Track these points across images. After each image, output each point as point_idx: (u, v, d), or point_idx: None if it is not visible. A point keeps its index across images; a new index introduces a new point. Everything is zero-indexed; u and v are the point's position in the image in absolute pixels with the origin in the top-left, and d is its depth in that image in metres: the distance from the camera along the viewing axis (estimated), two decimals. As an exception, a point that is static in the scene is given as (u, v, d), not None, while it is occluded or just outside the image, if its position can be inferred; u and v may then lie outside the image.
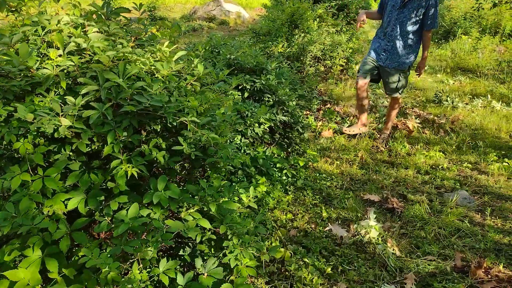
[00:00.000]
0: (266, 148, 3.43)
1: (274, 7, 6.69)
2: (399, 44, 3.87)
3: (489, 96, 5.92)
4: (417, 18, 3.72)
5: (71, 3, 2.07)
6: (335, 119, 4.94)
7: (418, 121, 4.94)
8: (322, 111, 5.18)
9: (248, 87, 3.27)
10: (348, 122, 4.88)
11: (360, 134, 4.51)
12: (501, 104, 5.62)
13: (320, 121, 4.87)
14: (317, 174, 3.53)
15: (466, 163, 3.95)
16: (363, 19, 3.99)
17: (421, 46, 3.94)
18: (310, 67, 6.20)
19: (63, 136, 1.49)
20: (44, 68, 1.57)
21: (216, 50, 3.70)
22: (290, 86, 3.74)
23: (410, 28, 3.78)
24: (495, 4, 7.90)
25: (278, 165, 3.35)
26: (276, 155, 3.49)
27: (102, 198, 1.79)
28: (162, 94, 1.68)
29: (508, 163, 3.82)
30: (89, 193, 1.72)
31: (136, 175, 1.57)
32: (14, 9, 1.87)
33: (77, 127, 1.44)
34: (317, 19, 6.95)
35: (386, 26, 3.93)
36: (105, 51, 1.69)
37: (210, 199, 1.82)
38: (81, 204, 1.68)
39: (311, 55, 6.29)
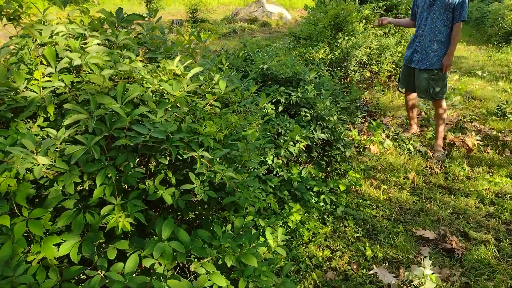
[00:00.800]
0: (302, 168, 3.04)
1: (316, 8, 6.26)
2: (429, 43, 3.78)
3: None
4: (447, 15, 3.66)
5: (79, 9, 1.81)
6: (382, 132, 4.44)
7: (479, 138, 4.33)
8: (367, 123, 4.70)
9: (282, 100, 2.90)
10: (395, 135, 4.37)
11: (411, 152, 4.00)
12: None
13: (364, 134, 4.40)
14: (360, 200, 3.09)
15: (540, 192, 3.34)
16: (382, 22, 4.14)
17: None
18: (355, 73, 5.72)
19: (44, 176, 1.21)
20: (29, 90, 1.30)
21: (250, 58, 3.36)
22: (331, 98, 3.32)
23: (440, 24, 3.71)
24: None
25: (315, 188, 2.96)
26: (313, 177, 3.10)
27: (102, 240, 1.50)
28: (169, 122, 1.35)
29: None
30: (85, 236, 1.43)
31: (129, 227, 1.25)
32: (12, 17, 1.63)
33: (59, 167, 1.14)
34: (363, 21, 6.44)
35: (418, 29, 3.90)
36: (103, 68, 1.39)
37: (226, 249, 1.48)
38: (74, 250, 1.39)
39: (355, 60, 5.80)
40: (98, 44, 1.54)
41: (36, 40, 1.44)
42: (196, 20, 13.54)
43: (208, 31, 12.52)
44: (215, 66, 1.84)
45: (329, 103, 3.17)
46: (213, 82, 1.76)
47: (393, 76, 6.72)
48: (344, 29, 4.86)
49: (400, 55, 6.67)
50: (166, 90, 1.45)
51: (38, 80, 1.28)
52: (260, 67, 2.91)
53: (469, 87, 6.39)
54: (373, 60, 6.30)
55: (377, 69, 6.30)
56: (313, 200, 2.92)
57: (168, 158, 1.50)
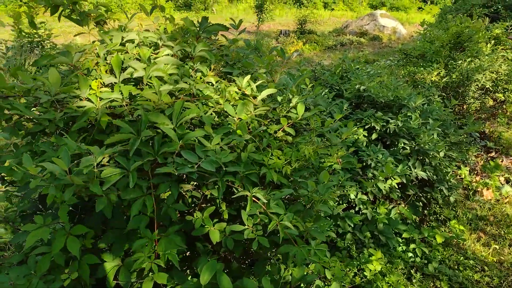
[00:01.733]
0: (392, 207, 2.62)
1: (435, 24, 5.59)
2: None
3: None
4: None
5: (164, 16, 1.74)
6: (501, 175, 3.71)
7: None
8: (482, 162, 3.98)
9: (378, 127, 2.53)
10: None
11: (538, 205, 3.24)
12: None
13: (478, 175, 3.72)
14: (461, 258, 2.55)
15: None
16: None
17: None
18: (474, 101, 4.94)
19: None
20: (87, 99, 1.23)
21: (348, 76, 3.04)
22: (439, 129, 2.82)
23: None
24: None
25: (405, 235, 2.52)
26: (404, 219, 2.66)
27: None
28: (225, 150, 1.16)
29: None
30: (125, 260, 1.32)
31: (156, 269, 1.08)
32: (97, 21, 1.62)
33: (93, 191, 1.02)
34: (492, 41, 5.56)
35: None
36: (166, 82, 1.26)
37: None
38: (111, 273, 1.30)
39: (476, 86, 5.00)
40: (170, 55, 1.42)
41: (107, 46, 1.38)
42: (303, 32, 13.45)
43: (314, 42, 12.30)
44: (297, 86, 1.60)
45: (436, 135, 2.69)
46: (291, 104, 1.53)
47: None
48: (466, 49, 4.20)
49: (535, 83, 5.61)
50: (229, 113, 1.26)
51: (95, 90, 1.20)
52: (357, 87, 2.58)
53: None
54: (499, 87, 5.39)
55: (503, 97, 5.37)
56: (400, 248, 2.49)
57: (219, 192, 1.31)
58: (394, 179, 2.44)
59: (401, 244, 2.52)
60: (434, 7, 28.72)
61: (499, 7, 7.51)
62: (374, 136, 2.57)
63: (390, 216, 2.55)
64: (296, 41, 12.10)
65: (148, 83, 1.27)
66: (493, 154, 4.23)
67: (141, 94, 1.17)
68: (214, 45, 1.76)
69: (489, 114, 5.36)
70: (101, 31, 1.44)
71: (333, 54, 11.83)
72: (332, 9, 30.09)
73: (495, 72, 5.27)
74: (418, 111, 2.72)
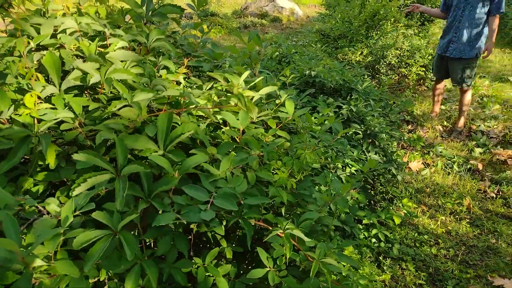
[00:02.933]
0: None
1: (341, 3, 5.76)
2: (466, 33, 3.92)
3: None
4: (483, 7, 3.80)
5: (94, -3, 1.31)
6: (424, 146, 3.95)
7: (532, 155, 3.84)
8: (406, 135, 4.20)
9: (331, 114, 2.40)
10: (436, 152, 3.88)
11: (460, 172, 3.51)
12: None
13: (404, 148, 3.91)
14: (416, 235, 2.61)
15: None
16: (417, 10, 4.31)
17: (486, 34, 3.92)
18: (386, 77, 5.22)
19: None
20: (15, 121, 0.81)
21: (286, 60, 2.86)
22: (380, 110, 2.83)
23: (477, 16, 3.84)
24: None
25: (365, 220, 2.48)
26: (359, 205, 2.62)
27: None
28: (238, 176, 0.87)
29: None
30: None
31: None
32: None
33: (61, 272, 0.65)
34: (392, 19, 5.93)
35: (453, 20, 4.00)
36: (134, 88, 0.90)
37: None
38: None
39: (385, 62, 5.29)
40: (125, 48, 1.04)
41: (30, 40, 0.95)
42: (206, 14, 12.99)
43: (219, 25, 11.96)
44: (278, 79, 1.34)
45: (376, 116, 2.68)
46: (277, 101, 1.27)
47: (422, 80, 6.21)
48: (379, 29, 4.35)
49: (430, 57, 6.17)
50: (229, 123, 0.96)
51: (30, 108, 0.79)
52: (307, 73, 2.40)
53: (504, 95, 5.88)
54: (403, 63, 5.80)
55: (406, 72, 5.79)
56: (362, 235, 2.44)
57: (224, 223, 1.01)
58: (353, 166, 2.35)
59: (362, 231, 2.47)
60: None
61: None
62: (327, 123, 2.44)
63: (348, 203, 2.48)
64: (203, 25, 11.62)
65: (108, 91, 0.89)
66: (410, 126, 4.51)
67: (113, 109, 0.80)
68: (165, 33, 1.40)
69: (395, 88, 5.74)
70: (21, 18, 0.98)
71: (242, 36, 11.65)
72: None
73: (399, 49, 5.65)
74: (361, 94, 2.67)
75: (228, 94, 1.01)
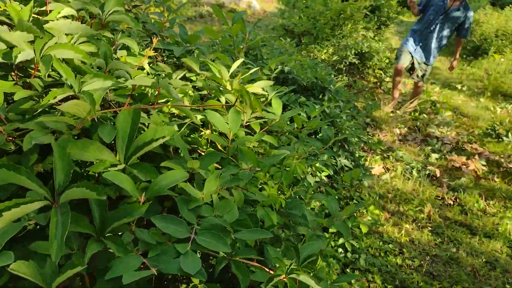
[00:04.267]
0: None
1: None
2: (432, 44, 4.51)
3: (557, 135, 4.97)
4: (453, 27, 4.39)
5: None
6: (383, 150, 3.93)
7: (483, 162, 3.97)
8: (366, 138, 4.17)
9: (302, 114, 2.22)
10: (395, 156, 3.87)
11: (419, 178, 3.52)
12: None
13: (366, 152, 3.86)
14: (381, 243, 2.53)
15: None
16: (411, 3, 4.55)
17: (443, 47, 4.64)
18: (346, 77, 5.18)
19: None
20: None
21: (253, 53, 2.64)
22: (349, 112, 2.71)
23: (445, 33, 4.45)
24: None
25: (331, 229, 2.34)
26: (325, 212, 2.48)
27: None
28: (226, 200, 0.64)
29: None
30: None
31: None
32: None
33: None
34: (352, 20, 5.93)
35: (425, 27, 4.48)
36: (84, 72, 0.64)
37: None
38: None
39: (345, 62, 5.26)
40: (71, 17, 0.77)
41: None
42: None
43: (173, 12, 11.44)
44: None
45: (345, 118, 2.56)
46: (262, 99, 1.05)
47: (379, 83, 6.29)
48: (343, 28, 4.28)
49: (387, 61, 6.26)
50: (214, 126, 0.73)
51: None
52: (279, 68, 2.20)
53: (453, 102, 6.12)
54: (362, 64, 5.82)
55: (365, 74, 5.82)
56: (328, 247, 2.30)
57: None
58: (324, 171, 2.20)
59: (329, 240, 2.33)
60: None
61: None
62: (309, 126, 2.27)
63: (315, 210, 2.33)
64: (153, 9, 11.04)
65: (45, 74, 0.62)
66: (368, 129, 4.50)
67: (45, 101, 0.53)
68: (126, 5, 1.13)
69: (357, 88, 5.75)
70: None
71: (194, 26, 11.24)
72: (183, -22, 29.13)
73: (359, 50, 5.65)
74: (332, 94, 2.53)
75: (221, 88, 0.77)
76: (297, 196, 1.09)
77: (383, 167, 3.64)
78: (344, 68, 5.11)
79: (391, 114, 5.04)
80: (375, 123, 4.66)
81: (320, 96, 2.39)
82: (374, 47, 6.06)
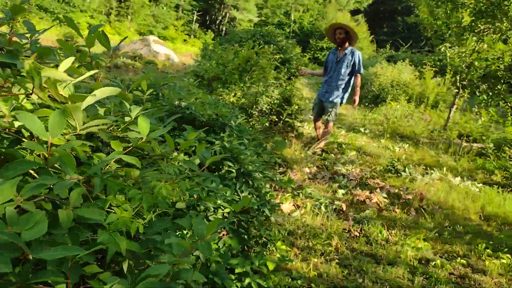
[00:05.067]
0: (218, 240, 2.31)
1: (207, 53, 5.92)
2: (335, 87, 5.66)
3: (444, 169, 5.57)
4: (347, 69, 5.59)
5: None
6: (294, 188, 4.02)
7: (385, 195, 4.25)
8: (278, 176, 4.24)
9: (202, 150, 2.18)
10: (304, 194, 3.98)
11: (327, 213, 3.63)
12: (455, 178, 5.26)
13: (276, 190, 3.90)
14: (290, 280, 2.48)
15: (457, 257, 3.23)
16: (305, 73, 6.53)
17: (350, 87, 5.75)
18: (257, 121, 5.34)
19: None
20: None
21: (154, 92, 2.59)
22: (253, 149, 2.74)
23: (342, 76, 5.62)
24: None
25: (237, 269, 2.25)
26: (232, 252, 2.39)
27: None
28: (30, 214, 0.54)
29: (504, 258, 3.17)
30: None
31: None
32: None
33: None
34: (258, 67, 6.27)
35: (329, 78, 5.77)
36: None
37: None
38: None
39: (258, 109, 5.45)
40: None
41: None
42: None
43: (89, 63, 11.08)
44: (129, 91, 1.07)
45: (252, 155, 2.58)
46: (127, 119, 0.99)
47: (289, 127, 6.58)
48: (252, 75, 4.47)
49: (297, 107, 6.63)
50: (32, 132, 0.63)
51: None
52: (176, 103, 2.17)
53: (357, 143, 6.60)
54: (274, 110, 6.08)
55: (276, 119, 6.07)
56: (235, 286, 2.19)
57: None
58: (225, 208, 2.14)
59: (235, 282, 2.23)
60: (196, 40, 31.58)
61: (262, 42, 8.62)
62: (197, 160, 2.21)
63: (220, 251, 2.23)
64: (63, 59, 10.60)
65: None
66: (281, 169, 4.60)
67: None
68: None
69: (269, 133, 5.93)
70: None
71: (109, 75, 10.94)
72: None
73: (270, 97, 5.91)
74: (235, 131, 2.55)
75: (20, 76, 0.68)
76: (169, 223, 1.00)
77: (293, 205, 3.70)
78: (255, 113, 5.28)
79: (302, 155, 5.26)
80: (287, 163, 4.80)
81: (222, 133, 2.39)
82: (286, 94, 6.43)
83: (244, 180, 2.39)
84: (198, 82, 4.43)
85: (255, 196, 2.44)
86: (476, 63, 6.27)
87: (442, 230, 3.70)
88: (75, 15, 26.57)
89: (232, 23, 34.74)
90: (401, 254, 3.09)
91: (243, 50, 4.14)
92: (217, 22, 35.95)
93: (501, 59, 6.34)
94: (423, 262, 3.09)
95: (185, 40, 31.33)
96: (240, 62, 4.14)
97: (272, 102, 6.04)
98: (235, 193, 2.28)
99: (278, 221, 3.33)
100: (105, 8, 29.55)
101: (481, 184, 5.14)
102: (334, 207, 3.75)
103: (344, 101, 5.80)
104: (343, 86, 5.66)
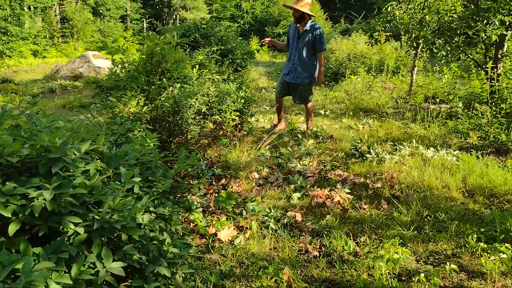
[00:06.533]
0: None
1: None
2: (299, 66, 5.26)
3: (414, 141, 4.87)
4: (309, 47, 5.17)
5: None
6: (235, 205, 3.20)
7: (348, 190, 3.50)
8: (215, 195, 3.42)
9: (14, 207, 1.34)
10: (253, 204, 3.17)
11: (277, 231, 2.84)
12: (428, 150, 4.57)
13: (214, 214, 3.09)
14: None
15: (446, 260, 2.51)
16: (268, 42, 5.62)
17: (317, 63, 5.26)
18: (194, 127, 4.50)
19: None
20: None
21: None
22: (141, 177, 1.91)
23: (305, 53, 5.21)
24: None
25: None
26: None
27: None
28: None
29: (502, 250, 2.46)
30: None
31: None
32: None
33: None
34: (197, 66, 5.41)
35: (290, 54, 5.37)
36: None
37: None
38: None
39: (193, 111, 4.60)
40: None
41: None
42: (-2, 80, 10.82)
43: (13, 92, 9.94)
44: None
45: (138, 190, 1.77)
46: None
47: (239, 125, 5.77)
48: (168, 74, 3.62)
49: (243, 101, 5.81)
50: None
51: None
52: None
53: (316, 128, 5.81)
54: (214, 110, 5.25)
55: (220, 119, 5.24)
56: None
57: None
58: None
59: None
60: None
61: (197, 36, 7.87)
62: (13, 227, 1.37)
63: None
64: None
65: None
66: (223, 181, 3.79)
67: None
68: None
69: (211, 138, 5.10)
70: None
71: (42, 103, 9.86)
72: (44, 57, 27.43)
73: (206, 95, 5.08)
74: (94, 164, 1.72)
75: None
76: None
77: (235, 228, 2.90)
78: (188, 118, 4.44)
79: (251, 156, 4.45)
80: (231, 172, 3.98)
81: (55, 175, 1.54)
82: (225, 89, 5.59)
83: (105, 240, 1.56)
84: (96, 94, 3.55)
85: (137, 256, 1.62)
86: (427, 17, 5.60)
87: (421, 223, 2.98)
88: (16, 44, 24.91)
89: (183, 23, 33.57)
90: (374, 273, 2.34)
91: (145, 46, 3.29)
92: (169, 25, 34.73)
93: (453, 9, 5.70)
94: (403, 278, 2.36)
95: (138, 49, 30.05)
96: (143, 60, 3.29)
97: (210, 100, 5.23)
98: (91, 264, 1.45)
99: (213, 259, 2.53)
100: (47, 32, 27.87)
101: (457, 151, 4.48)
102: (285, 220, 2.96)
103: (316, 79, 5.32)
104: (310, 64, 5.26)
